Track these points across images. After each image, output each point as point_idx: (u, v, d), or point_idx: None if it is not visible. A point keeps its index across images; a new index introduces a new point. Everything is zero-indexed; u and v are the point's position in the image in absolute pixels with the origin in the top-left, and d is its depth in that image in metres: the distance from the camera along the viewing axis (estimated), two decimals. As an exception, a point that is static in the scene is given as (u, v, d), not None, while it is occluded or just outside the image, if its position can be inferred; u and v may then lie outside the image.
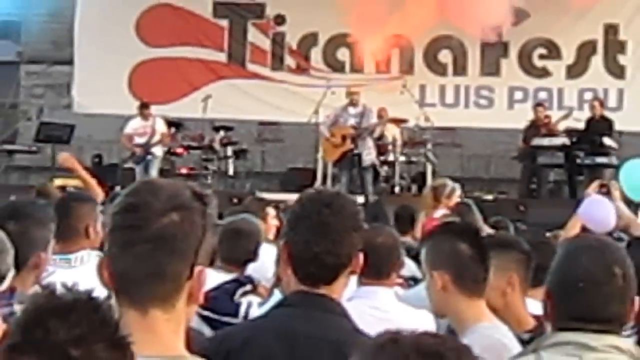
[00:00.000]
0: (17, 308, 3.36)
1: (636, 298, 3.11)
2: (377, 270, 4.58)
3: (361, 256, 3.22)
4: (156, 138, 17.54)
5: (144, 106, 17.89)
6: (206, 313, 5.24)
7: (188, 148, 18.44)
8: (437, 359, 1.90)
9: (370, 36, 19.85)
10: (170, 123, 18.02)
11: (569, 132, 17.74)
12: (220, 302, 5.35)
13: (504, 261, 4.30)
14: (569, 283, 3.09)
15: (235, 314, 5.29)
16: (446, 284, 3.84)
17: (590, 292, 3.04)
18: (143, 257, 2.39)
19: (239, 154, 18.56)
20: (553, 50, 20.54)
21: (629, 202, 8.53)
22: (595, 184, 7.87)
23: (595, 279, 3.05)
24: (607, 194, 7.63)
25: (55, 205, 5.09)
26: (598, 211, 7.70)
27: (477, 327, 3.70)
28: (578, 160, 17.45)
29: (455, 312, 3.85)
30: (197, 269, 2.43)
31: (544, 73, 20.61)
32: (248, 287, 5.54)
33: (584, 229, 6.98)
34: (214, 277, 5.57)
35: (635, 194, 9.24)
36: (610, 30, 20.45)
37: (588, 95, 19.78)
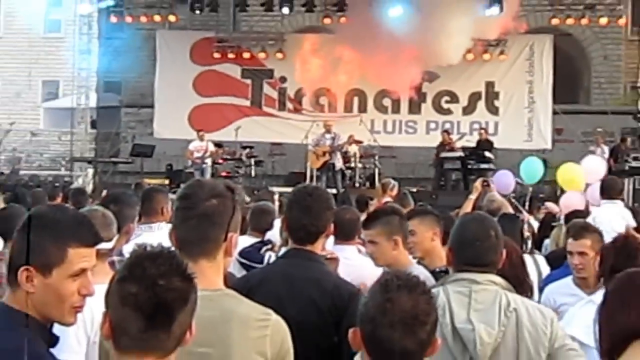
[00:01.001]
0: (116, 259, 3.33)
1: (503, 250, 3.11)
2: (346, 235, 4.55)
3: (332, 226, 3.22)
4: (208, 154, 17.52)
5: (200, 132, 17.91)
6: (243, 260, 5.30)
7: (226, 160, 18.34)
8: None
9: (313, 88, 20.09)
10: (215, 144, 18.01)
11: (464, 149, 17.74)
12: (252, 254, 5.37)
13: (428, 220, 4.32)
14: (463, 241, 3.08)
15: (261, 262, 5.27)
16: (399, 244, 3.84)
17: (476, 247, 3.04)
18: (194, 228, 2.38)
19: (258, 163, 18.46)
20: (454, 98, 20.53)
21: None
22: (479, 180, 7.82)
23: (479, 238, 3.05)
24: (487, 186, 7.58)
25: (142, 193, 5.08)
26: (504, 179, 7.76)
27: (411, 268, 3.66)
28: (470, 166, 17.40)
29: (399, 262, 3.83)
30: (230, 234, 2.41)
31: (448, 112, 20.56)
32: (269, 246, 5.53)
33: (474, 208, 6.94)
34: (247, 240, 5.60)
35: (529, 179, 9.37)
36: (489, 85, 20.47)
37: (476, 126, 19.75)
